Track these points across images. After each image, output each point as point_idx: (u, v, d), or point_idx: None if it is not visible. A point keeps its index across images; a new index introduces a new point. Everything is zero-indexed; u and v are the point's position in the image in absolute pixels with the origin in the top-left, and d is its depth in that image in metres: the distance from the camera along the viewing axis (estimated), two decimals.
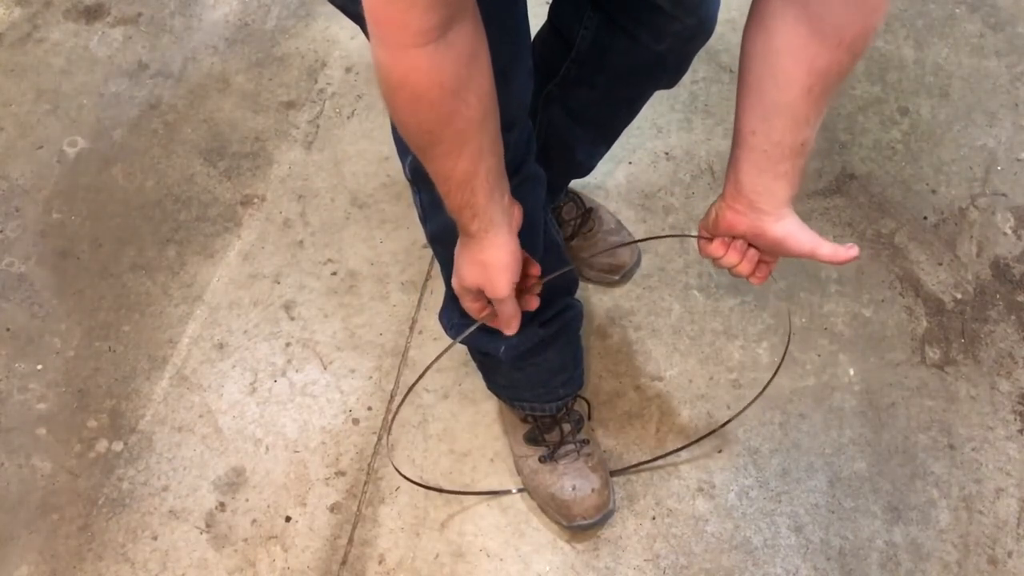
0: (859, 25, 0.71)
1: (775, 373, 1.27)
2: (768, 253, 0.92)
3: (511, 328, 0.95)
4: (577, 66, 1.10)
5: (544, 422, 1.23)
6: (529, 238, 1.01)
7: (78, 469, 1.30)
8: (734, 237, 0.91)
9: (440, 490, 1.25)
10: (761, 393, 1.21)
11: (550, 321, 1.13)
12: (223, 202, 1.56)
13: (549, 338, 1.14)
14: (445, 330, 1.17)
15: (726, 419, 1.29)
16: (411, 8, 0.66)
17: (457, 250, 0.92)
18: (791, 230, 0.87)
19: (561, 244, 1.15)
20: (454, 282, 0.95)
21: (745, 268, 0.93)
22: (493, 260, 0.91)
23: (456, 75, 0.73)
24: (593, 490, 1.19)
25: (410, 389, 1.22)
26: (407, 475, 1.23)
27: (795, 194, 0.86)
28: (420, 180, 0.96)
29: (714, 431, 1.28)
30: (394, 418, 1.32)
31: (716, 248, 0.92)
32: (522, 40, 0.89)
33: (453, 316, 1.17)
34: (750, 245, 0.92)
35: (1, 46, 1.78)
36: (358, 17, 0.81)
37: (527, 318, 0.92)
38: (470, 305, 0.96)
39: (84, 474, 1.30)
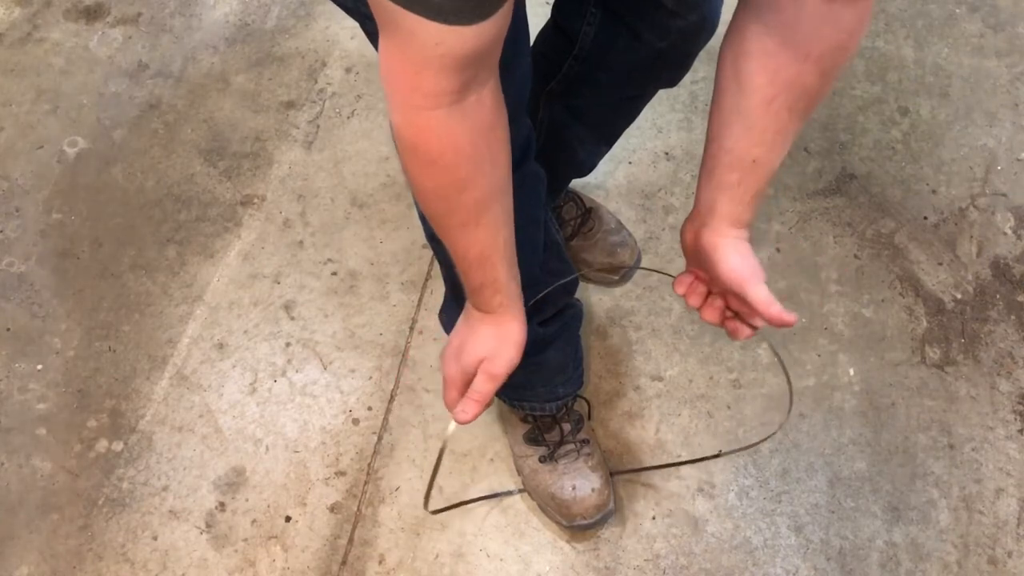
0: (829, 41, 0.69)
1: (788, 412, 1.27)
2: (713, 283, 0.86)
3: (471, 416, 0.89)
4: (579, 63, 1.10)
5: (544, 422, 1.23)
6: (530, 236, 1.01)
7: (78, 469, 1.30)
8: (696, 264, 0.87)
9: (463, 503, 1.25)
10: (771, 436, 1.20)
11: (550, 320, 1.13)
12: (223, 202, 1.56)
13: (549, 337, 1.14)
14: (445, 330, 1.17)
15: (738, 447, 1.29)
16: (423, 70, 0.66)
17: (462, 325, 0.91)
18: (724, 249, 0.81)
19: (561, 243, 1.15)
20: (448, 358, 0.92)
21: (709, 315, 0.88)
22: (509, 335, 0.90)
23: (472, 142, 0.73)
24: (593, 490, 1.19)
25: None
26: (436, 507, 1.23)
27: (742, 219, 0.81)
28: None
29: (713, 457, 1.27)
30: (437, 460, 1.31)
31: (678, 285, 0.89)
32: (521, 35, 0.89)
33: (453, 316, 1.17)
34: (715, 294, 0.88)
35: (1, 46, 1.78)
36: (357, 13, 0.81)
37: (527, 317, 0.92)
38: (455, 388, 0.92)
39: (84, 474, 1.30)
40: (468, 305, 0.90)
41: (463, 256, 0.83)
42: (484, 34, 0.64)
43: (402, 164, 0.76)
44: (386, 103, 0.71)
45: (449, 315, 1.15)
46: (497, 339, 0.89)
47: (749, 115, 0.75)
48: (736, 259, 0.82)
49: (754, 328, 0.89)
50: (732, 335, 0.88)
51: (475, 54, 0.65)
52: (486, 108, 0.72)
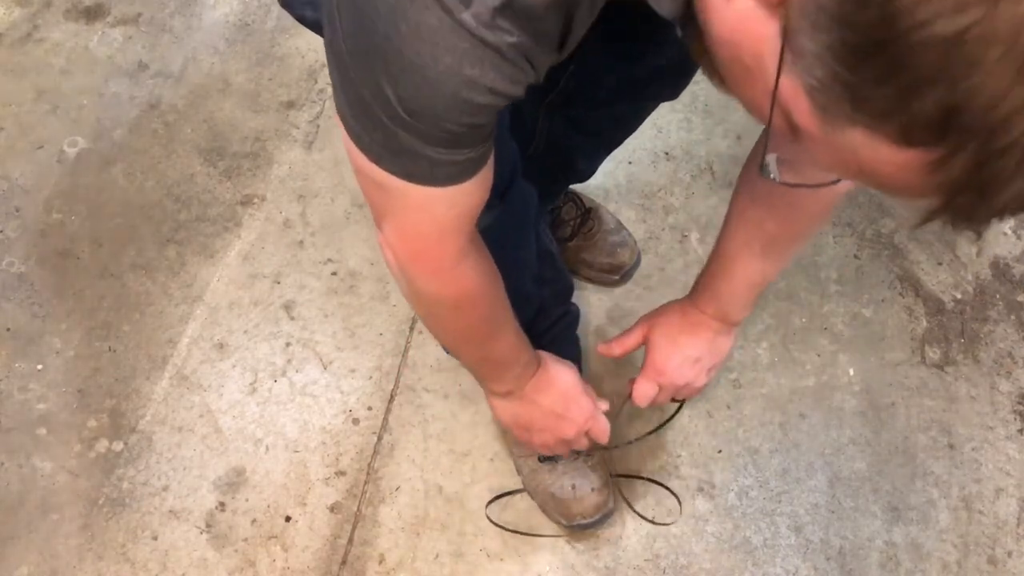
0: (798, 220, 0.85)
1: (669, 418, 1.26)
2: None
3: (605, 436, 1.05)
4: (577, 79, 1.10)
5: None
6: (520, 258, 1.01)
7: (78, 469, 1.30)
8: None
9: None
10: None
11: (545, 332, 1.14)
12: (223, 202, 1.56)
13: (544, 346, 1.14)
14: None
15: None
16: (444, 237, 0.69)
17: (520, 410, 0.99)
18: (670, 332, 1.00)
19: (555, 253, 1.15)
20: (536, 445, 1.03)
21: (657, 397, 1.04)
22: (564, 382, 1.00)
23: (491, 270, 0.79)
24: (593, 489, 1.19)
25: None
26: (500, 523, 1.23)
27: (694, 306, 0.98)
28: None
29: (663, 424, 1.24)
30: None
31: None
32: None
33: None
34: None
35: (1, 46, 1.78)
36: (316, 25, 0.80)
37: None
38: (561, 450, 1.05)
39: (84, 474, 1.30)
40: (511, 389, 0.98)
41: (483, 361, 0.92)
42: (487, 177, 0.65)
43: (434, 319, 0.85)
44: (407, 283, 0.76)
45: None
46: (560, 395, 1.00)
47: (743, 249, 0.89)
48: (664, 346, 1.01)
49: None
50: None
51: (484, 198, 0.68)
52: (478, 235, 0.76)
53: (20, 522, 1.26)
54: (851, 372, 1.36)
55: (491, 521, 1.22)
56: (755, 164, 0.77)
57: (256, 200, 1.57)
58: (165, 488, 1.28)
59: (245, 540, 1.24)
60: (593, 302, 1.43)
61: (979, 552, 1.21)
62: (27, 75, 1.74)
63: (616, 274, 1.43)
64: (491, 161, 0.64)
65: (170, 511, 1.26)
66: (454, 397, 1.35)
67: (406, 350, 1.39)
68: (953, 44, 0.34)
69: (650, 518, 1.24)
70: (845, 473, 1.28)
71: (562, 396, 0.99)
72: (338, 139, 1.63)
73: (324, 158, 1.61)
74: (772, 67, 0.43)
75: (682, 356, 0.99)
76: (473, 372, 0.98)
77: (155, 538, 1.24)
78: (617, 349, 1.04)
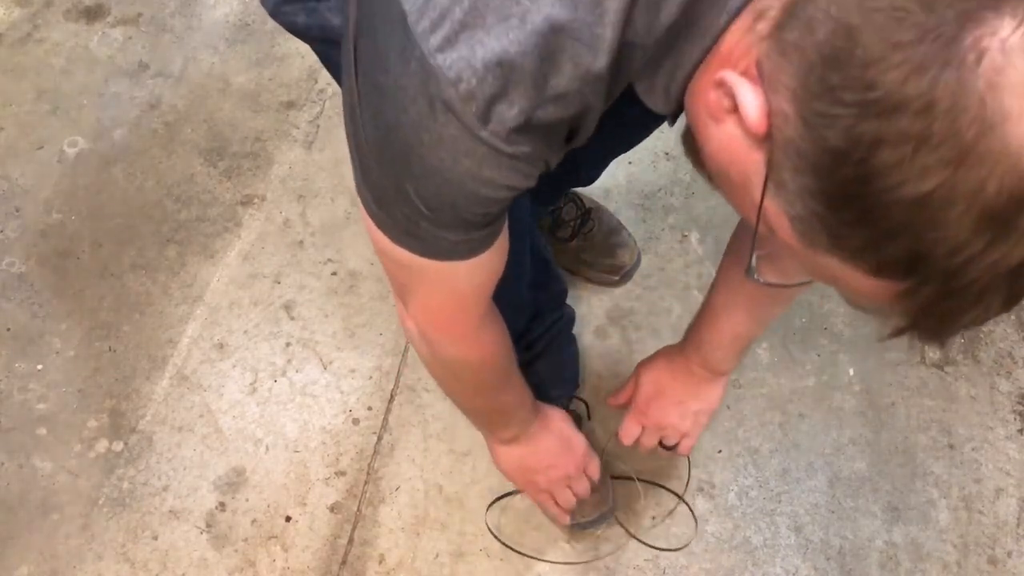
0: (774, 303, 0.93)
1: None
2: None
3: (597, 471, 1.14)
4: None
5: None
6: (517, 256, 1.01)
7: (78, 469, 1.30)
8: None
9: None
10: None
11: (541, 337, 1.14)
12: (223, 202, 1.56)
13: (540, 352, 1.14)
14: None
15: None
16: (467, 306, 0.73)
17: (525, 452, 1.05)
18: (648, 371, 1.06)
19: (550, 259, 1.15)
20: (543, 486, 1.09)
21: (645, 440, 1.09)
22: (559, 421, 1.08)
23: (503, 326, 0.83)
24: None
25: None
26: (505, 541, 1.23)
27: (682, 354, 1.03)
28: None
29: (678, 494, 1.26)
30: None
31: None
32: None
33: None
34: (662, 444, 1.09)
35: (1, 46, 1.78)
36: (308, 30, 0.80)
37: (515, 338, 0.94)
38: (567, 494, 1.11)
39: (84, 474, 1.30)
40: (516, 434, 1.03)
41: (492, 410, 0.97)
42: (503, 245, 0.68)
43: (455, 383, 0.89)
44: (431, 351, 0.79)
45: None
46: (563, 441, 1.07)
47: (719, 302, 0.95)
48: (649, 388, 1.05)
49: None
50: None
51: (503, 264, 0.70)
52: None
53: (20, 522, 1.26)
54: (851, 372, 1.36)
55: (491, 532, 1.22)
56: (742, 238, 0.86)
57: (256, 200, 1.57)
58: (165, 488, 1.28)
59: (245, 540, 1.24)
60: (593, 302, 1.43)
61: (979, 552, 1.22)
62: (27, 75, 1.74)
63: (616, 274, 1.43)
64: (506, 229, 0.67)
65: (170, 511, 1.26)
66: None
67: (406, 350, 1.39)
68: (919, 204, 0.39)
69: (652, 543, 1.23)
70: (845, 473, 1.28)
71: (560, 433, 1.08)
72: (338, 139, 1.63)
73: (324, 158, 1.61)
74: (757, 189, 0.46)
75: (665, 398, 1.04)
76: (482, 423, 1.03)
77: (155, 538, 1.24)
78: (621, 398, 1.11)
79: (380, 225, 0.62)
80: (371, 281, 1.46)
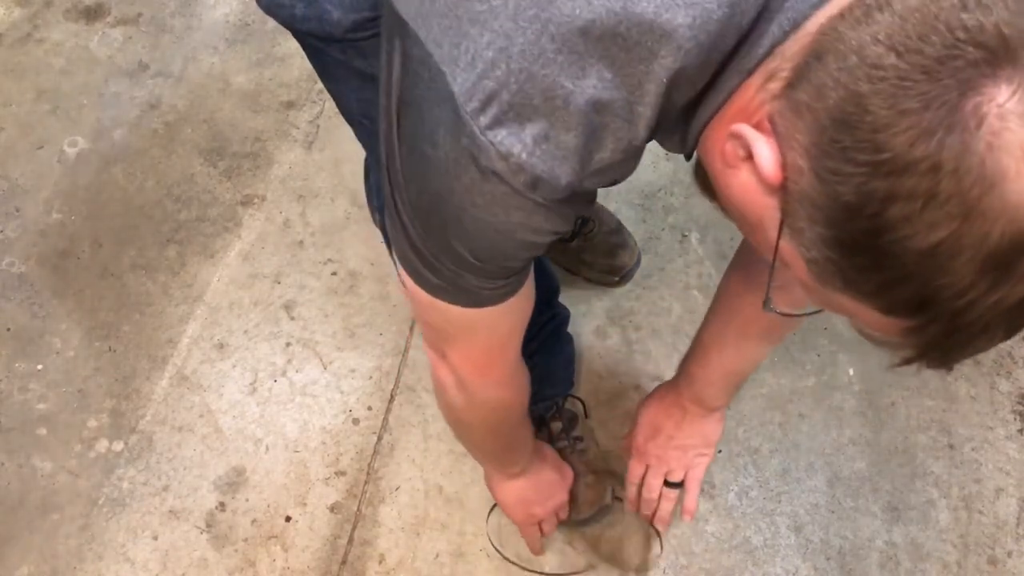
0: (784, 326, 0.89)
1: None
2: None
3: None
4: None
5: (534, 422, 1.23)
6: None
7: (78, 469, 1.30)
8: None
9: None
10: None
11: (533, 338, 1.14)
12: (223, 202, 1.56)
13: (532, 351, 1.14)
14: None
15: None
16: (505, 346, 0.76)
17: (527, 484, 1.07)
18: (649, 407, 1.05)
19: (544, 258, 1.15)
20: (539, 516, 1.11)
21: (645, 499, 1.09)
22: (550, 453, 1.13)
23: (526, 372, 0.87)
24: (587, 485, 1.20)
25: None
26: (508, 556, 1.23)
27: (680, 390, 1.02)
28: None
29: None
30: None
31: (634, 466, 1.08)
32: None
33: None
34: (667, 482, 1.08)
35: (1, 46, 1.78)
36: (305, 22, 0.80)
37: None
38: (554, 521, 1.14)
39: (84, 474, 1.30)
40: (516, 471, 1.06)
41: (505, 448, 1.00)
42: (531, 279, 0.70)
43: (487, 424, 0.90)
44: (469, 398, 0.81)
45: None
46: (560, 471, 1.12)
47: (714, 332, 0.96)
48: (645, 428, 1.06)
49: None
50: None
51: (534, 297, 0.73)
52: None
53: (20, 522, 1.26)
54: (851, 372, 1.36)
55: (494, 546, 1.22)
56: (740, 268, 0.89)
57: (256, 200, 1.57)
58: (165, 488, 1.28)
59: (245, 540, 1.24)
60: (593, 302, 1.43)
61: (979, 552, 1.22)
62: (27, 75, 1.74)
63: (616, 275, 1.43)
64: (531, 275, 0.71)
65: (170, 511, 1.26)
66: None
67: (406, 350, 1.39)
68: (928, 254, 0.42)
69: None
70: (845, 473, 1.28)
71: (555, 463, 1.13)
72: (338, 139, 1.63)
73: (324, 158, 1.61)
74: (773, 231, 0.49)
75: (661, 436, 1.05)
76: (496, 460, 1.04)
77: (155, 538, 1.24)
78: (627, 441, 1.12)
79: (423, 285, 0.65)
80: (371, 281, 1.46)
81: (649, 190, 1.55)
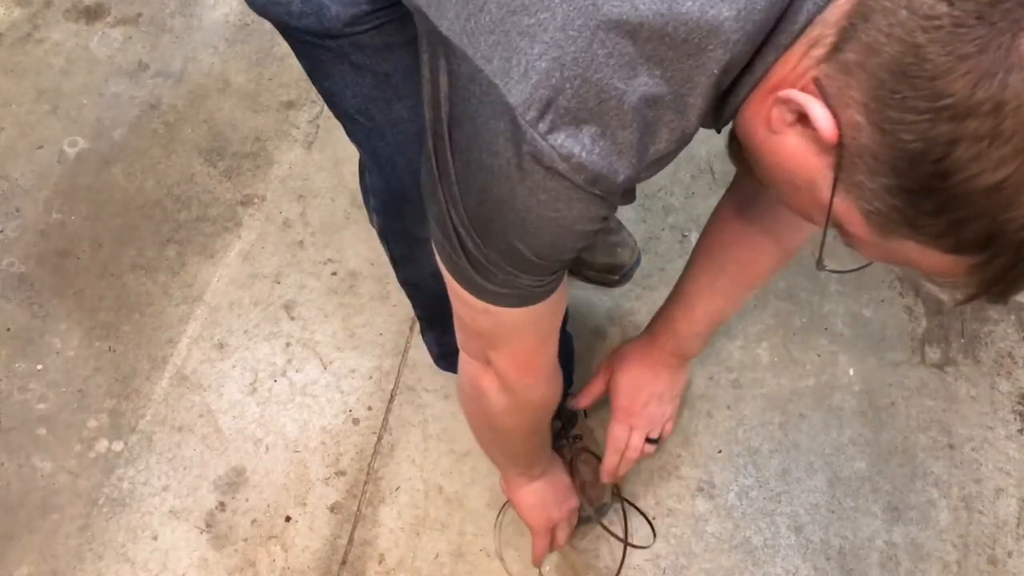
0: (801, 235, 0.88)
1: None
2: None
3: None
4: None
5: None
6: None
7: (78, 469, 1.30)
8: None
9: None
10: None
11: None
12: (223, 202, 1.56)
13: None
14: (433, 359, 1.29)
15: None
16: (547, 340, 0.78)
17: (546, 487, 1.08)
18: (633, 368, 1.05)
19: None
20: (556, 519, 1.11)
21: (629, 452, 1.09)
22: (565, 464, 1.14)
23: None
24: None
25: None
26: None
27: (657, 346, 1.02)
28: (391, 234, 1.07)
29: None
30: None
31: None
32: None
33: (431, 337, 1.27)
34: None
35: (1, 46, 1.78)
36: (301, 17, 0.78)
37: None
38: (567, 529, 1.14)
39: (84, 474, 1.30)
40: (534, 472, 1.07)
41: (525, 452, 1.01)
42: (566, 278, 0.72)
43: (528, 422, 0.91)
44: (514, 399, 0.83)
45: (428, 336, 1.28)
46: (565, 487, 1.12)
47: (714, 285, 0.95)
48: (629, 389, 1.06)
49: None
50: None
51: (567, 290, 0.74)
52: None
53: (20, 522, 1.26)
54: (851, 372, 1.36)
55: (500, 559, 1.22)
56: (734, 216, 0.89)
57: (256, 200, 1.57)
58: (165, 488, 1.28)
59: (245, 540, 1.24)
60: (593, 302, 1.43)
61: (979, 552, 1.22)
62: (27, 75, 1.74)
63: (616, 274, 1.43)
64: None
65: (170, 511, 1.26)
66: (454, 397, 1.34)
67: (406, 350, 1.39)
68: (995, 190, 0.44)
69: (652, 517, 1.24)
70: (845, 473, 1.28)
71: (563, 465, 1.14)
72: (338, 139, 1.63)
73: (324, 158, 1.61)
74: (825, 191, 0.51)
75: (647, 395, 1.05)
76: (521, 462, 1.05)
77: (155, 538, 1.24)
78: (584, 400, 1.13)
79: (478, 293, 0.67)
80: (371, 281, 1.46)
81: (649, 190, 1.55)
